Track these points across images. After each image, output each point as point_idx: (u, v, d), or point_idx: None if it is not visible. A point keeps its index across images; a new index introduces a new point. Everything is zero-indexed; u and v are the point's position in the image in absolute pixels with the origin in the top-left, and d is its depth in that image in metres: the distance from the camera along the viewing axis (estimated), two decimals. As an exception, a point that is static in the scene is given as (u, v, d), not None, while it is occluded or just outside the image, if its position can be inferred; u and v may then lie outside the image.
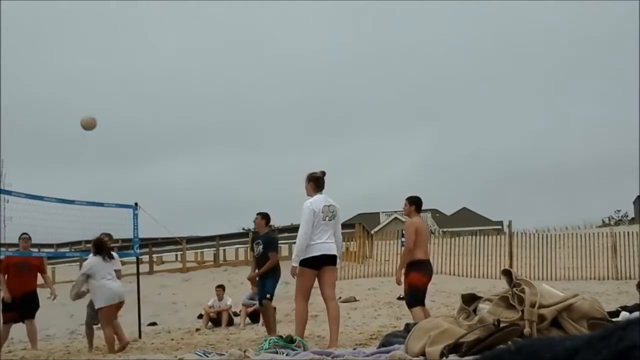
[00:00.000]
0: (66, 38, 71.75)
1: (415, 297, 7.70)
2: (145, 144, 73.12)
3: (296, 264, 6.88)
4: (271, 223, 10.30)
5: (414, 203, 8.14)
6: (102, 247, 8.70)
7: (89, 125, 9.96)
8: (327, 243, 6.91)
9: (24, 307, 9.60)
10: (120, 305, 8.64)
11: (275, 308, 10.15)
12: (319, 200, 7.01)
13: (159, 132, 71.45)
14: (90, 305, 9.37)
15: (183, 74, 72.88)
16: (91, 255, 8.71)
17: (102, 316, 8.46)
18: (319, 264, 6.88)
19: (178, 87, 72.55)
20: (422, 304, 7.75)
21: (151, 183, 59.75)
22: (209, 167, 69.68)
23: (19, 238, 10.08)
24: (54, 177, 51.02)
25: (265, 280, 9.07)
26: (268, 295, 8.98)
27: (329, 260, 6.93)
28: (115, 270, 8.82)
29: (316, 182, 7.13)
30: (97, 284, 8.40)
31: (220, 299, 13.27)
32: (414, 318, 7.46)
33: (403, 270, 7.97)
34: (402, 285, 8.02)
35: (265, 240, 9.15)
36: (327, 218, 6.95)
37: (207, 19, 74.84)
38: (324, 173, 7.24)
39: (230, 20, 76.71)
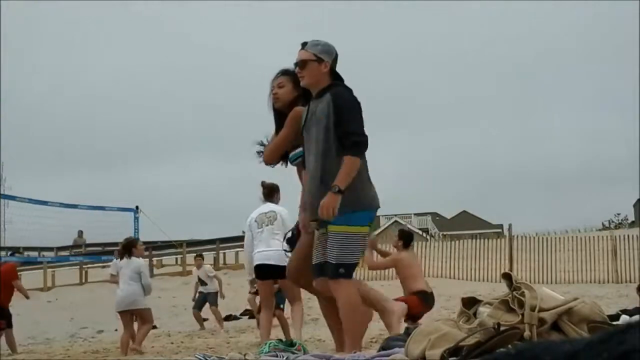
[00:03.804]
0: (66, 40, 71.84)
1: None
2: (145, 147, 73.14)
3: (250, 277, 7.45)
4: None
5: (403, 238, 8.01)
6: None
7: None
8: (262, 252, 7.00)
9: (7, 315, 9.94)
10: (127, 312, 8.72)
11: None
12: (256, 211, 7.23)
13: (160, 135, 71.51)
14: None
15: (182, 74, 73.00)
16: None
17: None
18: (260, 274, 7.04)
19: (177, 89, 72.68)
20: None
21: (152, 186, 59.79)
22: (210, 171, 69.72)
23: None
24: (54, 180, 51.03)
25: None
26: (281, 306, 9.13)
27: (265, 271, 6.99)
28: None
29: (262, 193, 7.35)
30: None
31: (199, 267, 12.90)
32: (382, 318, 7.54)
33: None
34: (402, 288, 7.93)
35: None
36: (263, 224, 7.07)
37: (200, 21, 75.04)
38: (270, 184, 7.38)
39: (219, 22, 76.90)
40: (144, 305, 8.59)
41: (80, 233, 25.58)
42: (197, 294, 12.73)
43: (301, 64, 4.20)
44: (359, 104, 4.17)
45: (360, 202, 4.09)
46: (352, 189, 4.03)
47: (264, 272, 6.99)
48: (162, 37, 75.61)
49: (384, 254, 8.35)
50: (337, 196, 3.94)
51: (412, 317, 7.58)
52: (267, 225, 7.06)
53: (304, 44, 4.25)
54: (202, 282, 12.67)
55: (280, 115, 4.63)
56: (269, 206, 7.28)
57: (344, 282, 4.08)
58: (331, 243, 4.06)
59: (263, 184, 7.44)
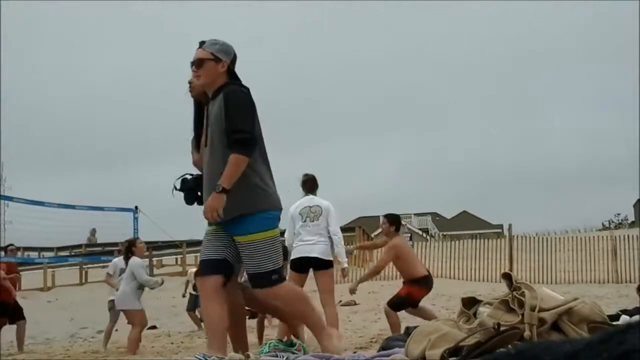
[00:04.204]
0: (66, 40, 71.83)
1: (403, 305, 7.50)
2: (145, 147, 73.10)
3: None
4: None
5: (394, 223, 7.69)
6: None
7: None
8: (307, 244, 6.79)
9: (16, 310, 9.94)
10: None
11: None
12: (299, 202, 7.01)
13: (160, 135, 71.43)
14: None
15: (182, 74, 72.82)
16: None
17: None
18: (304, 267, 6.83)
19: (177, 89, 72.48)
20: (399, 310, 7.53)
21: (152, 186, 59.71)
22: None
23: (7, 249, 10.34)
24: (54, 180, 51.01)
25: None
26: None
27: (313, 263, 6.79)
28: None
29: (305, 185, 7.13)
30: None
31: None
32: (387, 317, 7.42)
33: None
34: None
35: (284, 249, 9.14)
36: (307, 219, 6.86)
37: (200, 21, 74.95)
38: (312, 176, 7.19)
39: (219, 22, 76.77)
40: (133, 307, 8.53)
41: (94, 231, 25.78)
42: (189, 295, 12.78)
43: (198, 62, 4.03)
44: (251, 103, 3.96)
45: (254, 204, 3.89)
46: (244, 192, 3.84)
47: (304, 264, 6.82)
48: (162, 37, 75.57)
49: (369, 247, 8.14)
50: (221, 196, 3.74)
51: (414, 303, 7.50)
52: (313, 220, 6.87)
53: (202, 43, 4.09)
54: (196, 288, 12.66)
55: (199, 105, 4.46)
56: (314, 199, 7.04)
57: (281, 286, 3.96)
58: (249, 254, 3.88)
59: (307, 175, 7.21)
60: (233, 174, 3.76)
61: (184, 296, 13.11)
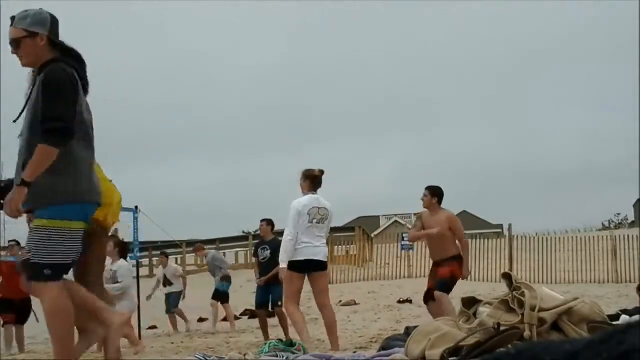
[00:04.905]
0: (66, 40, 71.79)
1: (451, 286, 7.39)
2: (145, 147, 73.13)
3: (284, 265, 6.63)
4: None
5: (437, 195, 7.33)
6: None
7: None
8: (312, 247, 6.61)
9: (21, 310, 9.92)
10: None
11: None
12: (307, 200, 6.69)
13: (160, 135, 71.50)
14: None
15: (179, 76, 72.94)
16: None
17: None
18: (305, 269, 6.66)
19: (177, 89, 72.63)
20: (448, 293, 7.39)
21: (151, 186, 59.75)
22: (209, 171, 69.66)
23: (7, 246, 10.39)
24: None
25: (275, 286, 8.98)
26: (280, 303, 8.85)
27: (316, 265, 6.65)
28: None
29: (312, 181, 6.78)
30: None
31: (165, 266, 12.65)
32: (441, 303, 7.25)
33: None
34: (426, 284, 7.62)
35: (276, 246, 8.83)
36: (314, 220, 6.64)
37: (201, 22, 75.04)
38: (322, 172, 6.86)
39: (219, 22, 76.90)
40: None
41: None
42: (164, 295, 12.58)
43: (14, 43, 3.59)
44: (68, 85, 3.49)
45: (62, 193, 3.47)
46: (54, 179, 3.44)
47: (306, 266, 6.64)
48: (162, 37, 75.64)
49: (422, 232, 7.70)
50: (21, 189, 3.37)
51: (455, 282, 7.29)
52: (318, 223, 6.67)
53: (13, 19, 3.61)
54: (168, 282, 12.50)
55: None
56: (320, 200, 6.78)
57: (50, 285, 3.45)
58: (33, 239, 3.48)
59: (314, 171, 6.86)
60: (37, 166, 3.38)
61: (148, 299, 12.40)
